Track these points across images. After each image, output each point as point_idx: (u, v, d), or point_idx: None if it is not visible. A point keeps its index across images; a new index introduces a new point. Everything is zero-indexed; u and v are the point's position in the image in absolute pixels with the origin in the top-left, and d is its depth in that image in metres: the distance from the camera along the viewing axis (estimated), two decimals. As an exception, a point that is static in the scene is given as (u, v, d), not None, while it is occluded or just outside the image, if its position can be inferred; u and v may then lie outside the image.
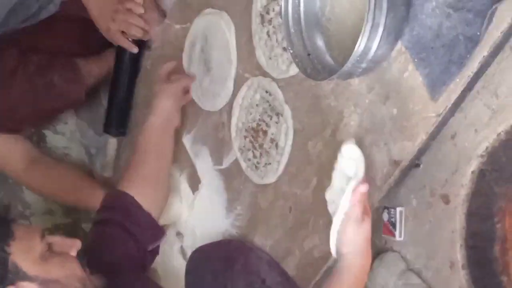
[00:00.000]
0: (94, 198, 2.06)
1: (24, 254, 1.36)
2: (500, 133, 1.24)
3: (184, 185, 1.92)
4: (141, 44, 2.03)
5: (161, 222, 1.84)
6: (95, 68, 2.19)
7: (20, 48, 2.06)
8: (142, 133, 1.78)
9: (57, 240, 1.44)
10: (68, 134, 2.47)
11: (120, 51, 2.06)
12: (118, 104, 2.12)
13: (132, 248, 1.63)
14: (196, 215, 1.89)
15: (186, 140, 1.89)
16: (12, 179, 2.32)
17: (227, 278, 1.68)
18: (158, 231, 1.70)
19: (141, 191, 1.66)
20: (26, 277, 1.35)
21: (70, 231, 2.36)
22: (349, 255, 1.36)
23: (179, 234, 1.94)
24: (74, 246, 1.45)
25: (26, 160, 2.17)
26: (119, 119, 2.13)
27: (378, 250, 1.54)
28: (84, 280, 1.45)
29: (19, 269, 1.35)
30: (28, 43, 2.09)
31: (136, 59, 2.07)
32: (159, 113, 1.77)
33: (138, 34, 1.97)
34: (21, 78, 2.03)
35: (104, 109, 2.19)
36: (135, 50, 1.98)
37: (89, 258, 1.61)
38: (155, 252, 1.74)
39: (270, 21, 1.58)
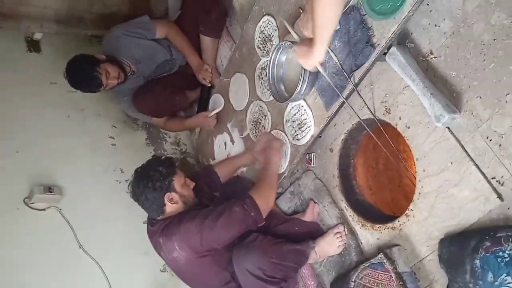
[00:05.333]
0: (192, 121, 2.59)
1: (177, 182, 1.79)
2: (353, 124, 1.74)
3: (237, 142, 2.31)
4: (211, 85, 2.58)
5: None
6: (193, 94, 2.73)
7: (162, 84, 2.59)
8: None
9: (187, 180, 1.86)
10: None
11: (203, 87, 2.61)
12: (201, 109, 2.61)
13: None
14: (234, 149, 2.33)
15: (229, 126, 2.36)
16: (159, 128, 2.83)
17: (236, 183, 2.18)
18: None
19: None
20: (175, 191, 1.79)
21: (182, 163, 2.85)
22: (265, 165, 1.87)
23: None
24: (192, 184, 1.87)
25: (163, 121, 2.70)
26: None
27: (303, 170, 2.03)
28: (193, 199, 1.86)
29: (174, 187, 1.78)
30: (166, 82, 2.61)
31: (209, 90, 2.59)
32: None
33: (209, 81, 2.56)
34: (163, 96, 2.56)
35: (194, 111, 2.70)
36: (209, 85, 2.57)
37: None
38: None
39: (262, 78, 2.06)
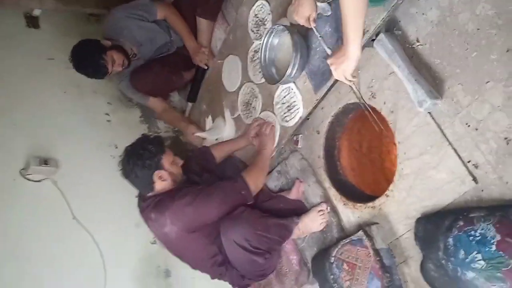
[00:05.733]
0: (183, 126, 2.58)
1: (166, 160, 1.77)
2: (340, 107, 1.73)
3: (228, 120, 2.31)
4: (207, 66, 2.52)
5: (213, 135, 2.27)
6: (188, 75, 2.68)
7: (161, 63, 2.54)
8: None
9: (176, 158, 1.83)
10: (176, 98, 2.91)
11: (198, 68, 2.54)
12: (195, 90, 2.59)
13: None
14: (226, 133, 2.33)
15: (224, 106, 2.35)
16: (156, 115, 2.79)
17: (227, 162, 2.14)
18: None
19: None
20: (164, 168, 1.76)
21: (175, 141, 2.84)
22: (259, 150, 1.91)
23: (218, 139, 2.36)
24: (180, 162, 1.85)
25: (162, 108, 2.65)
26: (194, 96, 2.60)
27: (291, 150, 2.02)
28: (181, 176, 1.85)
29: (163, 165, 1.76)
30: (163, 62, 2.56)
31: (203, 72, 2.53)
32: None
33: (205, 64, 2.48)
34: (162, 76, 2.53)
35: (188, 91, 2.67)
36: (205, 67, 2.49)
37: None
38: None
39: (254, 60, 2.05)
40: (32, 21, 2.67)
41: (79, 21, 2.83)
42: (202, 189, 1.76)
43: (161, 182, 1.77)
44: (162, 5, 2.49)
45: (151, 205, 1.77)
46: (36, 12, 2.65)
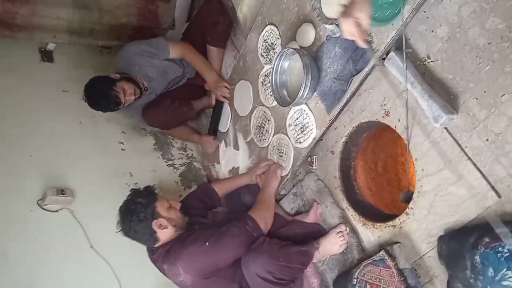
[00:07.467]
0: (196, 138, 2.61)
1: (160, 207, 1.77)
2: (353, 127, 1.73)
3: (241, 144, 2.30)
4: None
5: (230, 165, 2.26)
6: (199, 104, 2.71)
7: (170, 97, 2.56)
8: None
9: (172, 202, 1.83)
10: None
11: (217, 102, 2.51)
12: (214, 123, 2.53)
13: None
14: (240, 159, 2.33)
15: (236, 130, 2.35)
16: (167, 133, 2.78)
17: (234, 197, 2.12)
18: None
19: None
20: (161, 216, 1.76)
21: (187, 167, 2.81)
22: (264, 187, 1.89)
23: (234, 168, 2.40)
24: (178, 206, 1.84)
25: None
26: (215, 129, 2.54)
27: (306, 171, 2.01)
28: (182, 219, 1.84)
29: (159, 213, 1.76)
30: (173, 95, 2.59)
31: (221, 104, 2.48)
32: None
33: (226, 97, 2.43)
34: (172, 109, 2.54)
35: (204, 122, 2.66)
36: (226, 101, 2.43)
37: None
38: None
39: (265, 84, 2.07)
40: (47, 56, 2.73)
41: (92, 53, 2.88)
42: (212, 233, 1.73)
43: (162, 230, 1.76)
44: (176, 46, 2.49)
45: (161, 255, 1.77)
46: (50, 46, 2.71)
